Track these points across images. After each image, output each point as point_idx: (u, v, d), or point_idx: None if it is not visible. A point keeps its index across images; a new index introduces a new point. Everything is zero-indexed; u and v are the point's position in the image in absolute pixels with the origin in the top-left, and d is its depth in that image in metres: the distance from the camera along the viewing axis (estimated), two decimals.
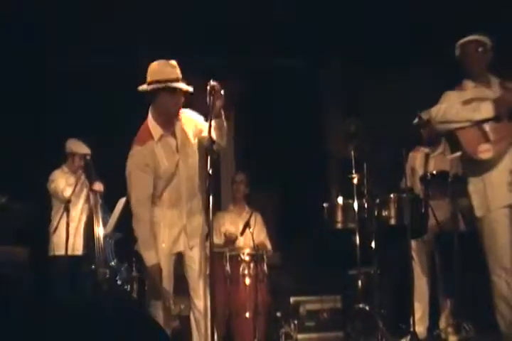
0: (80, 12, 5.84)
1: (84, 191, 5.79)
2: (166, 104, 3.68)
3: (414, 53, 6.20)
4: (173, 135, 3.74)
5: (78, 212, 5.72)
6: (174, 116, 3.74)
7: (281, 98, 6.77)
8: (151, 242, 3.65)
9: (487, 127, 3.90)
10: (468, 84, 4.10)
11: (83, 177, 5.80)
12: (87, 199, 5.75)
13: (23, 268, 5.53)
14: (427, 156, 4.98)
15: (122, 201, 5.39)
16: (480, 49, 4.04)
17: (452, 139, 4.19)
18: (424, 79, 6.31)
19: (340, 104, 7.11)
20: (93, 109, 6.42)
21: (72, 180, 5.67)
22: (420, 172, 4.99)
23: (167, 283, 3.70)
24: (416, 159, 5.13)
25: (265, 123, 6.86)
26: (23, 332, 3.19)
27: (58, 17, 5.87)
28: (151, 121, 3.74)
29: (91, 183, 5.72)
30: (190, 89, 3.70)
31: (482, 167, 3.93)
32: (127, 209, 5.33)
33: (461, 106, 3.93)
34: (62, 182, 5.62)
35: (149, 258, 3.62)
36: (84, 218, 5.73)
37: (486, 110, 3.87)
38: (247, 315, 4.69)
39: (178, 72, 3.68)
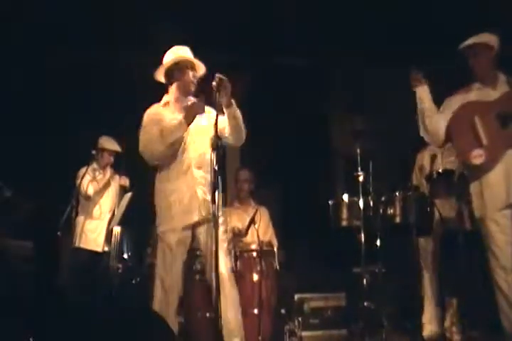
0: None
1: (112, 187, 5.87)
2: (184, 77, 3.89)
3: (418, 52, 6.19)
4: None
5: (102, 208, 5.80)
6: (190, 93, 3.90)
7: (286, 96, 6.76)
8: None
9: (481, 132, 3.94)
10: (475, 85, 4.14)
11: (110, 173, 5.91)
12: (116, 195, 5.82)
13: (27, 262, 5.55)
14: (433, 155, 4.98)
15: (128, 196, 5.42)
16: (484, 50, 4.05)
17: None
18: (428, 78, 6.30)
19: (346, 102, 7.11)
20: (89, 104, 6.43)
21: (99, 175, 5.79)
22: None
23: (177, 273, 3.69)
24: (424, 158, 5.13)
25: (271, 121, 6.85)
26: (28, 325, 3.21)
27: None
28: (169, 97, 3.97)
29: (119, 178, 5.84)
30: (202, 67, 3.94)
31: (479, 169, 3.97)
32: (133, 205, 5.40)
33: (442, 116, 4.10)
34: (87, 178, 5.68)
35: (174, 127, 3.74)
36: (109, 215, 5.80)
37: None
38: (253, 311, 4.69)
39: (189, 53, 3.97)
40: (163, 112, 3.91)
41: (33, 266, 5.51)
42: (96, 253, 5.70)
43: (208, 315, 3.63)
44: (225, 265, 3.77)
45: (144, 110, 3.98)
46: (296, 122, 6.76)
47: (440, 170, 4.73)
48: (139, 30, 6.07)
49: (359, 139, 4.99)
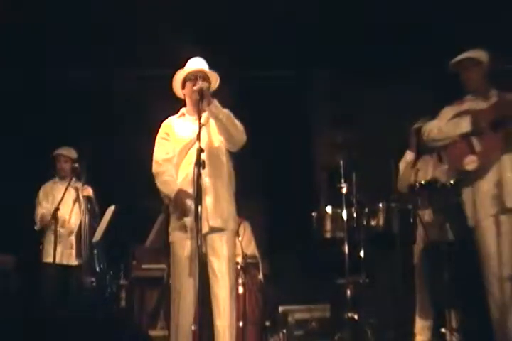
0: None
1: (72, 196, 5.60)
2: (188, 90, 3.87)
3: (402, 65, 6.27)
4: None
5: (67, 219, 5.56)
6: (196, 104, 3.76)
7: (269, 108, 6.77)
8: (174, 183, 3.76)
9: (474, 139, 4.03)
10: (468, 98, 4.23)
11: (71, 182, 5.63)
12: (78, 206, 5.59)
13: (11, 276, 5.50)
14: (416, 169, 5.07)
15: (111, 209, 5.35)
16: (474, 65, 4.14)
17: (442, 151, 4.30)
18: (412, 91, 6.37)
19: (329, 114, 7.14)
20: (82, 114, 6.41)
21: (61, 187, 5.56)
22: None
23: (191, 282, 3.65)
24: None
25: (253, 133, 6.85)
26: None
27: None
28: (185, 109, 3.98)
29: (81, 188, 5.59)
30: (196, 66, 3.93)
31: (471, 178, 4.05)
32: (116, 217, 5.36)
33: (444, 123, 4.12)
34: (45, 194, 5.62)
35: (172, 191, 3.69)
36: (75, 226, 5.55)
37: (464, 125, 4.04)
38: (238, 324, 4.66)
39: (195, 65, 3.95)
40: (176, 123, 3.93)
41: (14, 280, 5.46)
42: (67, 266, 5.45)
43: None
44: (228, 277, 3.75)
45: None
46: (278, 134, 6.76)
47: (423, 182, 4.77)
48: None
49: (342, 151, 5.01)
